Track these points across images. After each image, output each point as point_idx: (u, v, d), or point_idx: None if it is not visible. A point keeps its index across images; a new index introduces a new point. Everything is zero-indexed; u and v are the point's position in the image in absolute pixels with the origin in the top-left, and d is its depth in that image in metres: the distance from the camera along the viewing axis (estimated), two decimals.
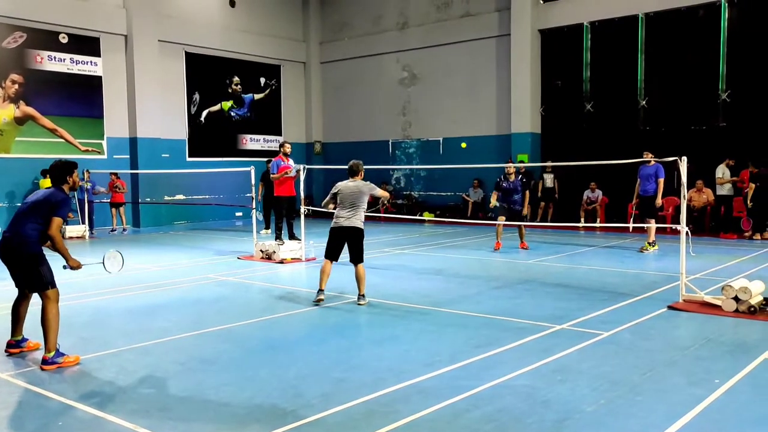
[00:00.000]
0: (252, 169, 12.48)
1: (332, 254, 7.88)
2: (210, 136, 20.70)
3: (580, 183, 17.36)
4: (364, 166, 8.07)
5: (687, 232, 7.74)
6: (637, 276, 9.66)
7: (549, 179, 18.01)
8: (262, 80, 22.29)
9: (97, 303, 8.07)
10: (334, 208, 8.01)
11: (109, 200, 17.22)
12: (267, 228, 16.16)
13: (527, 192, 13.07)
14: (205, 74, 20.53)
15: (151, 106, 18.79)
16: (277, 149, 13.95)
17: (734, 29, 15.76)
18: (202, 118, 20.56)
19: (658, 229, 12.45)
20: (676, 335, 6.46)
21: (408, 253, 12.69)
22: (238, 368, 5.40)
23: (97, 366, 5.47)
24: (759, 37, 15.42)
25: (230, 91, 21.32)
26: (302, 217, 11.98)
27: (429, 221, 18.66)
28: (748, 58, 15.63)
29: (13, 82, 16.42)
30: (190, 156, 20.19)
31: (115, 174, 17.09)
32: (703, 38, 16.13)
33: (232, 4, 21.20)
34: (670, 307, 7.37)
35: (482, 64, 19.72)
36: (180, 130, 19.98)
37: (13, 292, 6.00)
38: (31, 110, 16.74)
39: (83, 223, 16.22)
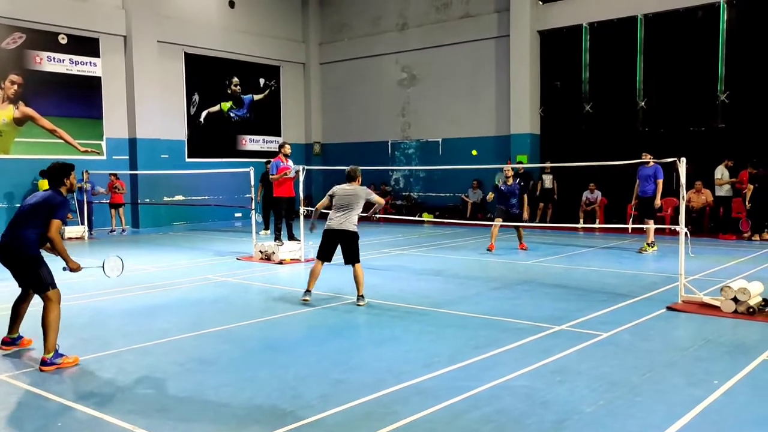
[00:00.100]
0: (251, 170, 12.48)
1: (324, 255, 7.91)
2: (209, 137, 20.70)
3: (579, 184, 17.36)
4: (364, 167, 8.10)
5: (686, 233, 7.75)
6: (636, 277, 9.66)
7: (548, 180, 18.01)
8: (262, 81, 22.29)
9: (97, 304, 8.06)
10: (326, 209, 8.05)
11: (108, 201, 17.20)
12: (266, 229, 16.17)
13: (525, 195, 13.06)
14: (205, 75, 20.53)
15: (150, 106, 18.79)
16: (277, 150, 13.92)
17: (733, 30, 15.77)
18: (202, 119, 20.56)
19: (657, 230, 12.45)
20: (675, 336, 6.47)
21: (407, 253, 12.69)
22: (237, 369, 5.41)
23: (96, 367, 5.47)
24: (758, 38, 15.44)
25: (229, 91, 21.31)
26: (301, 217, 12.00)
27: (428, 222, 18.66)
28: (747, 59, 15.65)
29: (13, 82, 16.41)
30: (189, 157, 20.18)
31: (115, 175, 17.06)
32: (702, 39, 16.14)
33: (232, 4, 21.20)
34: (669, 308, 7.37)
35: (481, 65, 19.73)
36: (179, 131, 19.98)
37: (13, 292, 6.01)
38: (30, 111, 16.72)
39: (82, 223, 16.19)
